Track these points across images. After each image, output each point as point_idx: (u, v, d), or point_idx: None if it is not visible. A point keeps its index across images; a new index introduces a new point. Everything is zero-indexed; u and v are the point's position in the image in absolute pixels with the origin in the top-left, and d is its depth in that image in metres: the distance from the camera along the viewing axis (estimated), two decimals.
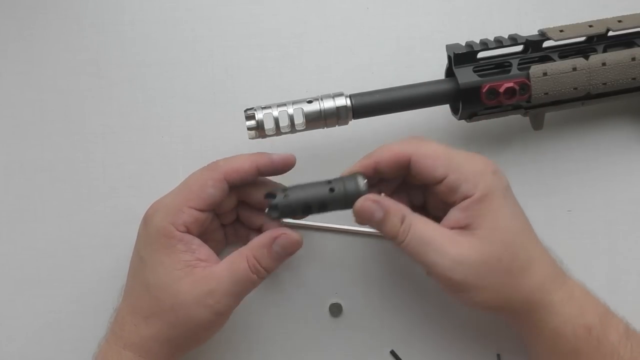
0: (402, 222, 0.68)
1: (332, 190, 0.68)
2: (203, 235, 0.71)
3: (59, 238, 0.81)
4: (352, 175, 0.69)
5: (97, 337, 0.75)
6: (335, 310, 0.80)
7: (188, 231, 0.69)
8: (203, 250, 0.70)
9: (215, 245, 0.72)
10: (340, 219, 0.80)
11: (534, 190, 0.77)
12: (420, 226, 0.68)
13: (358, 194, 0.68)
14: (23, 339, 0.81)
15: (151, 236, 0.69)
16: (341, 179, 0.69)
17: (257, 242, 0.70)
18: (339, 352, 0.80)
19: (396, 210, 0.68)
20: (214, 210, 0.72)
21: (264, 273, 0.69)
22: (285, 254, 0.70)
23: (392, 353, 0.80)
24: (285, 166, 0.72)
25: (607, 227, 0.80)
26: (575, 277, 0.72)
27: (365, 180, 0.69)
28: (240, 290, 0.69)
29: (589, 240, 0.80)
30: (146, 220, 0.71)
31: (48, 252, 0.81)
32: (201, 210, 0.70)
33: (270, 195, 0.69)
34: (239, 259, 0.69)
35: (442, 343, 0.80)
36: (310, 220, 0.79)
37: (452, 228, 0.68)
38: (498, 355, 0.79)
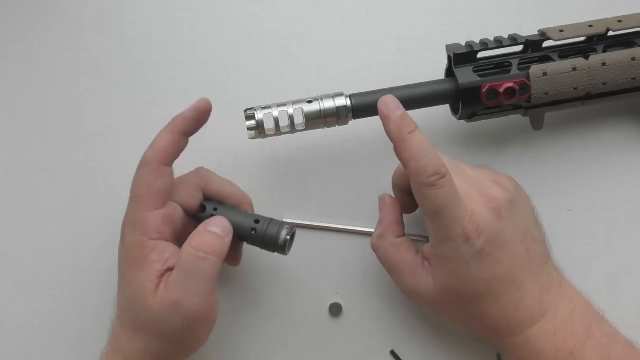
0: (377, 238, 0.74)
1: (254, 230, 0.72)
2: (182, 237, 0.70)
3: (59, 238, 0.81)
4: (279, 224, 0.73)
5: (97, 336, 0.75)
6: (335, 310, 0.80)
7: (161, 236, 0.69)
8: (176, 258, 0.69)
9: None
10: (340, 219, 0.80)
11: (534, 190, 0.77)
12: (389, 252, 0.73)
13: (275, 243, 0.72)
14: (23, 339, 0.81)
15: (126, 252, 0.70)
16: (268, 222, 0.73)
17: (195, 230, 0.70)
18: (339, 352, 0.80)
19: (380, 225, 0.75)
20: (182, 206, 0.72)
21: (214, 248, 0.68)
22: (225, 233, 0.70)
23: (392, 353, 0.80)
24: (202, 113, 0.71)
25: (607, 227, 0.80)
26: (573, 282, 0.73)
27: (288, 237, 0.72)
28: (201, 283, 0.67)
29: (589, 240, 0.80)
30: (121, 238, 0.71)
31: (48, 252, 0.81)
32: (162, 208, 0.70)
33: (201, 208, 0.73)
34: (183, 253, 0.67)
35: (442, 343, 0.80)
36: (310, 221, 0.79)
37: (423, 256, 0.72)
38: (498, 355, 0.79)
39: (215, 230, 0.69)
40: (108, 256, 0.80)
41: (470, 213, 0.67)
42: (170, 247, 0.69)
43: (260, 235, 0.72)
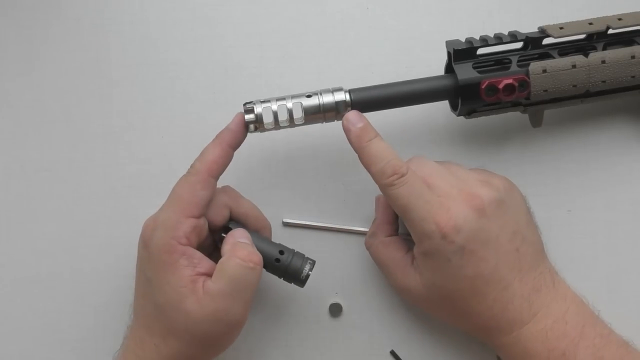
0: (369, 236, 0.78)
1: (277, 260, 0.73)
2: (200, 250, 0.71)
3: (59, 238, 0.81)
4: (303, 258, 0.74)
5: (97, 337, 0.75)
6: (335, 310, 0.80)
7: (189, 243, 0.69)
8: (204, 263, 0.69)
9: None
10: (340, 219, 0.81)
11: (533, 190, 0.77)
12: (379, 249, 0.76)
13: (297, 276, 0.73)
14: (23, 339, 0.80)
15: (154, 255, 0.69)
16: (292, 255, 0.74)
17: (229, 242, 0.70)
18: (339, 352, 0.80)
19: (374, 225, 0.77)
20: (208, 221, 0.72)
21: (259, 258, 0.69)
22: (249, 239, 0.72)
23: (392, 353, 0.80)
24: (243, 126, 0.73)
25: (607, 227, 0.80)
26: (570, 282, 0.73)
27: (310, 272, 0.73)
28: (248, 292, 0.69)
29: (589, 240, 0.80)
30: (145, 240, 0.70)
31: (48, 252, 0.81)
32: (197, 217, 0.70)
33: (226, 229, 0.73)
34: (229, 264, 0.68)
35: (442, 343, 0.80)
36: (310, 221, 0.80)
37: (413, 255, 0.74)
38: (498, 357, 0.78)
39: (247, 242, 0.71)
40: (108, 256, 0.80)
41: (446, 210, 0.68)
42: (197, 254, 0.69)
43: (282, 266, 0.73)
